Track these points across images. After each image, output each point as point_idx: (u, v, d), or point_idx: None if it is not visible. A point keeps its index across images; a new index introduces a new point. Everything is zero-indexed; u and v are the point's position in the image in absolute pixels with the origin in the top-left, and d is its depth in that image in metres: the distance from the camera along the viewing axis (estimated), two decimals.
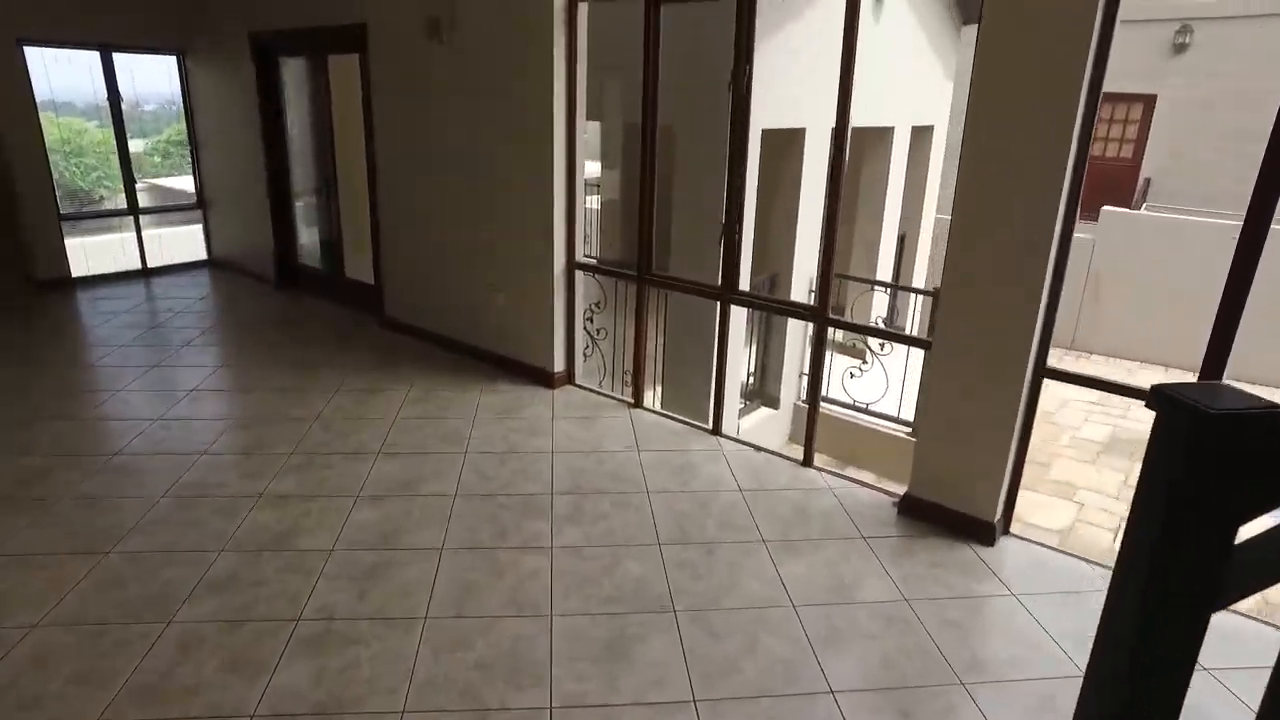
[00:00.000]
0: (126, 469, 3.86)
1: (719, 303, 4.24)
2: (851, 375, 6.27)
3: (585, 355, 5.18)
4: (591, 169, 7.70)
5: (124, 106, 7.45)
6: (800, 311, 4.71)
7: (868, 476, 5.04)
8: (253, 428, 4.35)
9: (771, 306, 5.56)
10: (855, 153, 7.55)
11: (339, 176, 6.53)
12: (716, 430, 4.41)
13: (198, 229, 8.22)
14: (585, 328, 5.16)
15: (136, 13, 7.20)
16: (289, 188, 7.08)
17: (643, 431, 4.40)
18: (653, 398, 5.77)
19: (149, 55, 7.54)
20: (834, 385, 6.44)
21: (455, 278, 5.37)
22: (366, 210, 5.99)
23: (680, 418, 4.62)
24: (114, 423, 4.39)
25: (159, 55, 7.57)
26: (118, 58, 7.29)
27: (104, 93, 7.29)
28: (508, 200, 4.86)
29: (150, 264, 7.87)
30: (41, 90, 6.90)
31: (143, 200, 8.03)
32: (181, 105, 7.82)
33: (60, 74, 7.11)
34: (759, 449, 4.28)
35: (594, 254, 9.99)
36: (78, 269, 7.41)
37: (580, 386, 5.03)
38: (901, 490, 3.73)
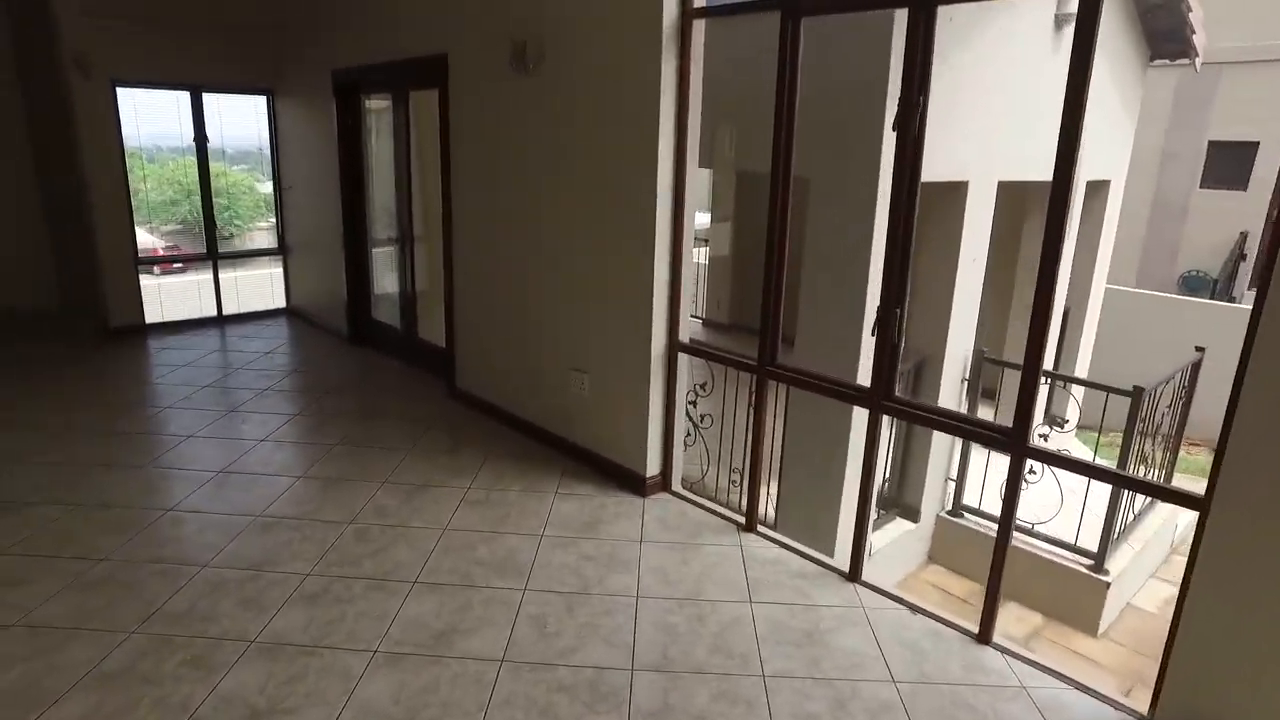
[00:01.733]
0: (100, 585, 3.08)
1: (869, 411, 3.16)
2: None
3: (686, 444, 4.19)
4: (698, 220, 6.80)
5: (210, 147, 7.09)
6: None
7: (1076, 669, 3.77)
8: (274, 531, 3.53)
9: (945, 424, 4.37)
10: (1017, 210, 6.35)
11: (414, 227, 5.85)
12: (854, 576, 3.30)
13: (279, 273, 7.75)
14: (688, 412, 4.18)
15: (230, 48, 6.84)
16: (365, 237, 6.46)
17: (757, 572, 3.33)
18: (766, 503, 4.68)
19: (239, 95, 7.18)
20: (991, 491, 5.20)
21: (534, 351, 4.50)
22: (441, 268, 5.24)
23: (806, 551, 3.52)
24: (118, 510, 3.66)
25: (248, 95, 7.20)
26: (206, 98, 6.94)
27: (190, 134, 6.93)
28: (600, 263, 3.97)
29: (227, 310, 7.42)
30: (128, 132, 6.59)
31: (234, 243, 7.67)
32: (269, 147, 7.41)
33: (147, 115, 6.80)
34: (914, 609, 3.14)
35: (699, 313, 9.05)
36: (152, 315, 7.01)
37: (678, 495, 4.01)
38: (1136, 700, 2.52)
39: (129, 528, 3.51)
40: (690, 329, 3.94)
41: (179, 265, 9.40)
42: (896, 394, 3.11)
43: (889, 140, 4.04)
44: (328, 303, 6.98)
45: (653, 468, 3.97)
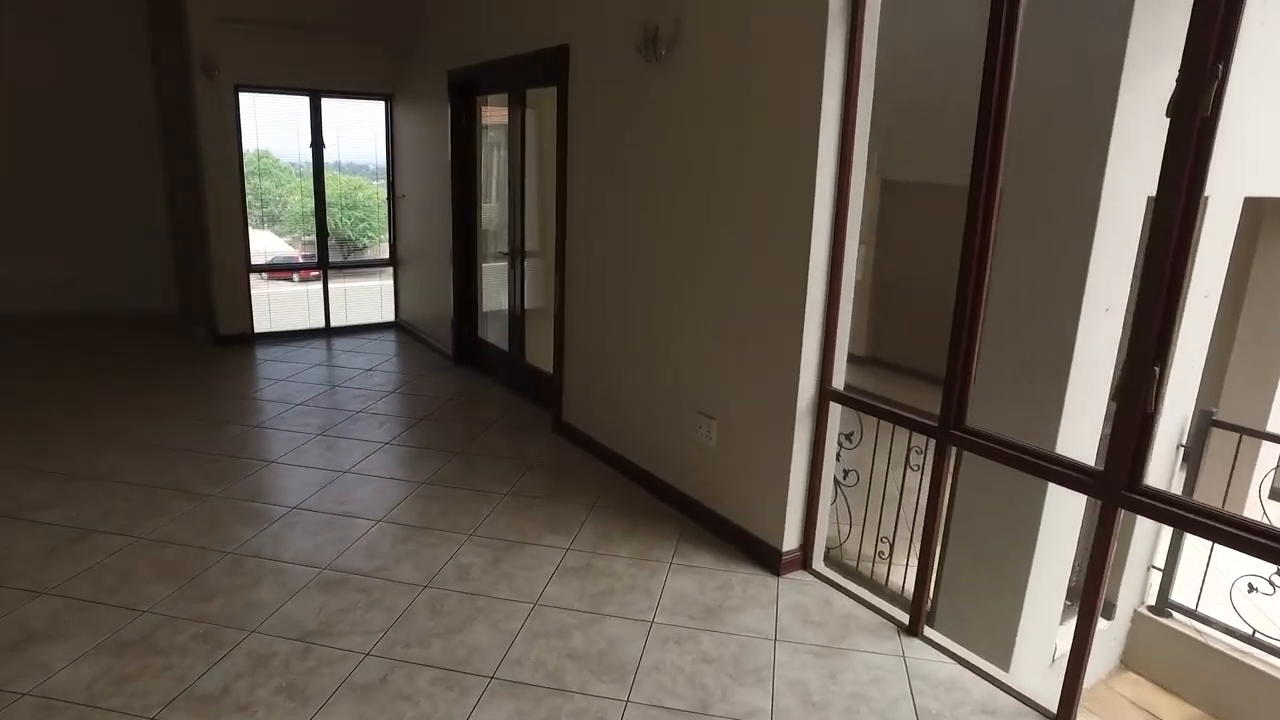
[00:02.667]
0: (134, 647, 2.60)
1: (1103, 503, 2.29)
2: (1252, 588, 3.93)
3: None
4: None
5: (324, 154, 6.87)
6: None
7: None
8: (339, 590, 2.99)
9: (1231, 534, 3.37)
10: (1248, 234, 5.19)
11: (526, 240, 5.33)
12: (1066, 718, 2.42)
13: (390, 285, 7.46)
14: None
15: (351, 50, 6.61)
16: (475, 250, 6.01)
17: (929, 700, 2.51)
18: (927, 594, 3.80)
19: (358, 100, 6.94)
20: (1216, 592, 4.13)
21: (652, 387, 3.83)
22: (553, 285, 4.68)
23: (999, 678, 2.66)
24: (175, 550, 3.23)
25: (368, 100, 6.95)
26: (324, 104, 6.72)
27: (308, 139, 6.73)
28: (738, 288, 3.26)
29: (336, 321, 7.17)
30: (247, 138, 6.44)
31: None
32: (385, 156, 7.14)
33: (266, 120, 6.64)
34: None
35: None
36: (262, 324, 6.82)
37: (821, 577, 3.23)
38: None
39: (181, 574, 3.06)
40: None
41: (300, 273, 9.37)
42: (1146, 484, 2.23)
43: (1120, 138, 3.16)
44: (434, 318, 6.59)
45: (790, 540, 3.21)
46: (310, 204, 9.61)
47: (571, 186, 4.31)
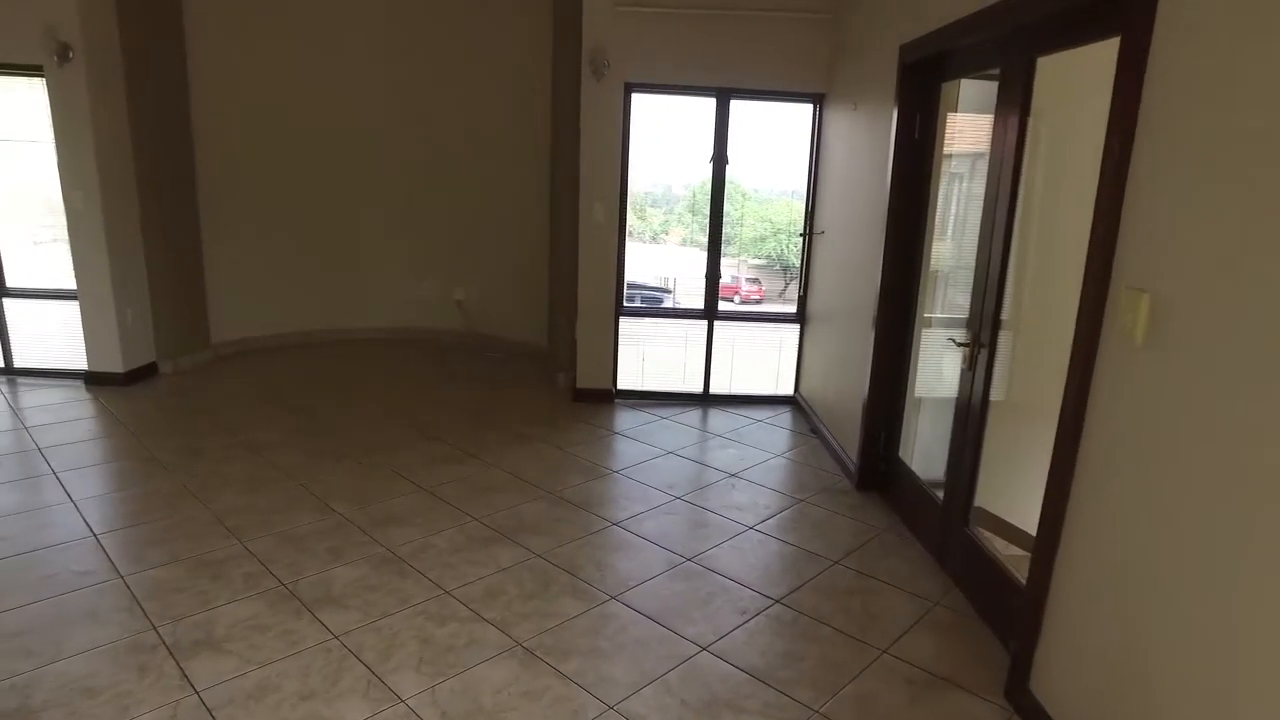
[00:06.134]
0: None
1: None
2: None
3: None
4: None
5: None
6: None
7: None
8: None
9: None
10: None
11: (1001, 304, 2.98)
12: None
13: (793, 345, 5.61)
14: None
15: (773, 38, 4.93)
16: (913, 316, 3.82)
17: None
18: None
19: (777, 102, 5.23)
20: None
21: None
22: (1054, 387, 2.29)
23: None
24: None
25: (792, 102, 5.20)
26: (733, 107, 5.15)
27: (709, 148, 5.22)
28: None
29: (716, 386, 5.57)
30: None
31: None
32: (808, 174, 5.32)
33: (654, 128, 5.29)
34: None
35: None
36: (630, 370, 5.53)
37: None
38: None
39: None
40: None
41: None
42: None
43: None
44: (839, 405, 4.56)
45: None
46: (760, 229, 8.15)
47: (1138, 220, 1.93)
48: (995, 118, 2.97)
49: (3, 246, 5.37)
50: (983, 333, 3.00)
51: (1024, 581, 2.44)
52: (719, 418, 5.24)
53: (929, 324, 3.80)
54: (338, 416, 4.89)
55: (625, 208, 5.19)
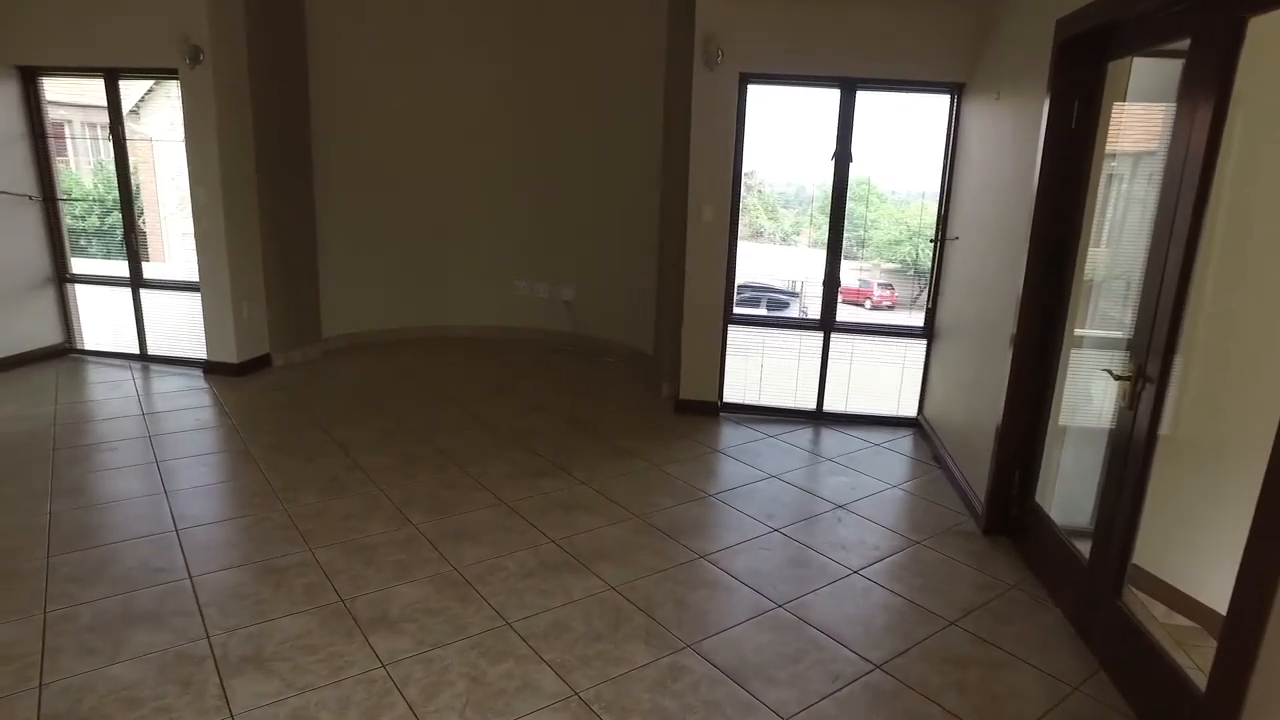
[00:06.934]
0: None
1: None
2: None
3: None
4: None
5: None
6: None
7: None
8: None
9: None
10: None
11: (1179, 325, 2.42)
12: None
13: (918, 363, 5.08)
14: None
15: (913, 16, 4.44)
16: (1059, 335, 3.27)
17: None
18: None
19: (908, 93, 4.73)
20: None
21: None
22: (1242, 420, 1.79)
23: None
24: None
25: (927, 92, 4.68)
26: (860, 98, 4.68)
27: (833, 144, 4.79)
28: None
29: (831, 404, 5.11)
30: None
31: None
32: (943, 172, 4.78)
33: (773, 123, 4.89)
34: None
35: None
36: (733, 391, 5.17)
37: None
38: None
39: None
40: None
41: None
42: None
43: None
44: (967, 433, 4.03)
45: None
46: (895, 232, 7.52)
47: None
48: (1179, 102, 2.42)
49: (151, 240, 5.66)
50: (1149, 364, 2.46)
51: (1203, 683, 1.93)
52: (831, 439, 4.79)
53: (1079, 344, 3.23)
54: (430, 418, 4.81)
55: (738, 207, 4.83)
